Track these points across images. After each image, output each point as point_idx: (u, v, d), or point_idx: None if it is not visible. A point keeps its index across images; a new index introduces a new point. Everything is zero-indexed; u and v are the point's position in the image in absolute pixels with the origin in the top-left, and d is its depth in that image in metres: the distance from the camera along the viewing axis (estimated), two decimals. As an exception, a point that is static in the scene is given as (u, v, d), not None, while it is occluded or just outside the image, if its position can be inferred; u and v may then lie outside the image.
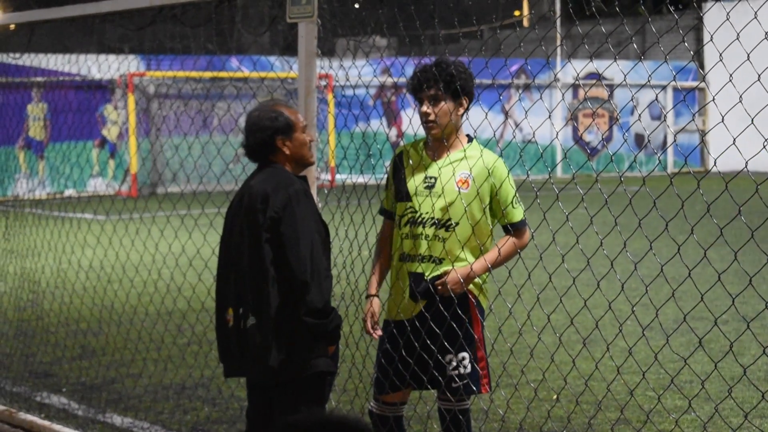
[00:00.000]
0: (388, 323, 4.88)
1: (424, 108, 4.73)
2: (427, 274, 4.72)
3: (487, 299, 4.86)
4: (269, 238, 4.25)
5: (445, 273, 4.68)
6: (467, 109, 4.79)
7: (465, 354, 4.71)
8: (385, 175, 5.03)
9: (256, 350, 4.27)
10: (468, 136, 4.86)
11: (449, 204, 4.68)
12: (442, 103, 4.70)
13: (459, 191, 4.67)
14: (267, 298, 4.24)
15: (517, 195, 4.76)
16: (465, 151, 4.74)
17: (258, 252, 4.26)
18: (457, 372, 4.72)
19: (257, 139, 4.42)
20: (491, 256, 4.69)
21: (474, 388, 4.75)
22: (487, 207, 4.72)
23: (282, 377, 4.31)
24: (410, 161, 4.82)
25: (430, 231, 4.72)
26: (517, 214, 4.76)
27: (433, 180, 4.74)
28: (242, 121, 4.59)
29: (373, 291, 4.98)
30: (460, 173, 4.72)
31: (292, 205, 4.26)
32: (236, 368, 4.45)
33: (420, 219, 4.74)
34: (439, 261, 4.71)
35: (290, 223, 4.24)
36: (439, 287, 4.67)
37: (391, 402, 4.91)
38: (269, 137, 4.41)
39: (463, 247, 4.68)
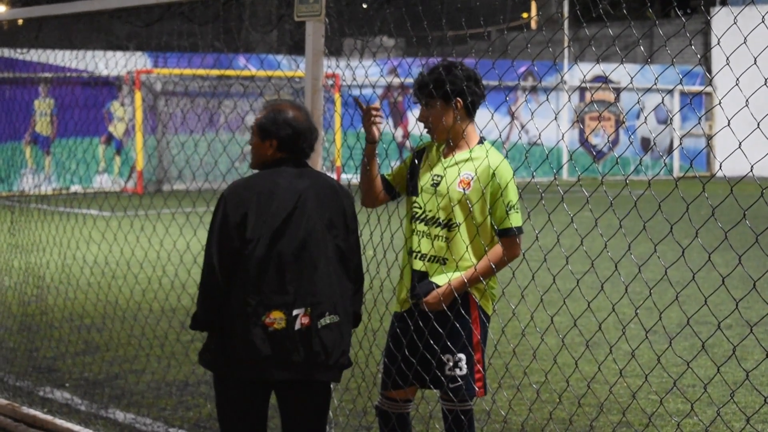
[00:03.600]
0: (393, 321, 4.90)
1: (420, 114, 4.79)
2: (430, 273, 4.73)
3: (491, 303, 4.84)
4: (347, 236, 4.30)
5: (435, 287, 4.70)
6: (470, 108, 4.75)
7: (462, 355, 4.71)
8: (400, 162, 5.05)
9: (336, 350, 4.15)
10: (481, 138, 4.84)
11: (452, 204, 4.68)
12: (434, 107, 4.73)
13: (463, 192, 4.67)
14: (352, 294, 4.29)
15: (518, 202, 4.67)
16: (472, 151, 4.74)
17: (351, 246, 4.28)
18: (452, 373, 4.72)
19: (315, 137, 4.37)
20: (469, 273, 4.66)
21: (469, 390, 4.75)
22: (490, 209, 4.70)
23: (339, 375, 4.28)
24: (428, 158, 4.84)
25: (434, 230, 4.72)
26: (511, 221, 4.66)
27: (439, 178, 4.75)
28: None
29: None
30: (464, 173, 4.70)
31: (352, 201, 4.40)
32: (295, 371, 4.09)
33: (424, 217, 4.76)
34: (444, 261, 4.72)
35: (355, 219, 4.35)
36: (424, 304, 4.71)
37: (393, 398, 4.92)
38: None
39: (467, 248, 4.69)
